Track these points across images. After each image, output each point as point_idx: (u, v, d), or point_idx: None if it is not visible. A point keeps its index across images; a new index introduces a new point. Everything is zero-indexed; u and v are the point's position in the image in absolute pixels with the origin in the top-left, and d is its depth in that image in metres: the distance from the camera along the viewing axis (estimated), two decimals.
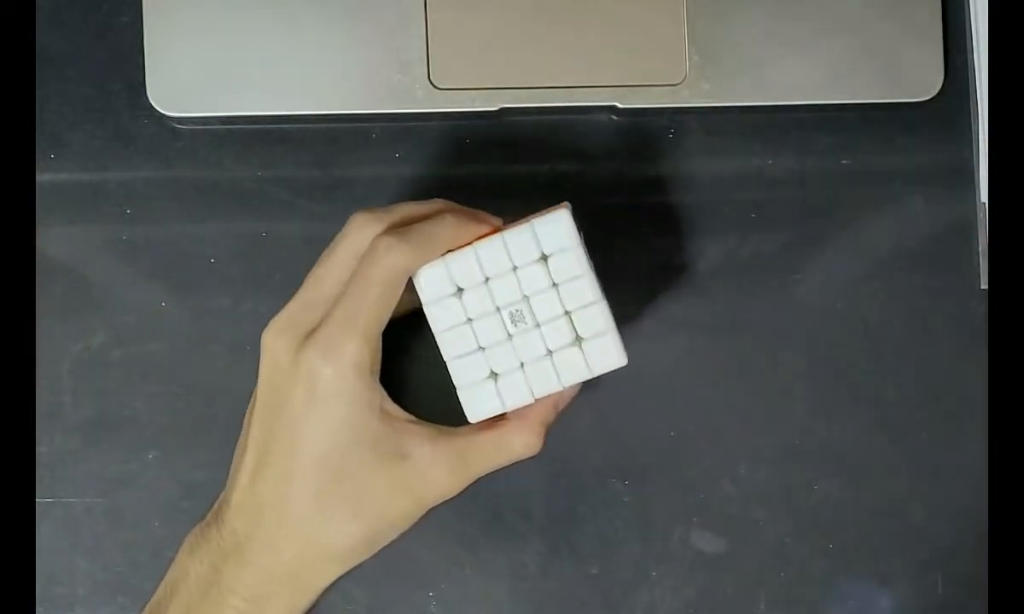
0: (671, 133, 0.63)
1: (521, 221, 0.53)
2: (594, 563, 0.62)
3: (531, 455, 0.55)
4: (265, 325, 0.53)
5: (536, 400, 0.54)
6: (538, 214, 0.53)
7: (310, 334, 0.52)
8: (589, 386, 0.62)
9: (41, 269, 0.60)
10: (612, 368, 0.54)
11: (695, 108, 0.62)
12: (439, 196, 0.56)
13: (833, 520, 0.62)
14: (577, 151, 0.63)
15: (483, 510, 0.61)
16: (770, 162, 0.64)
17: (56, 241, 0.61)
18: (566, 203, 0.54)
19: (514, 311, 0.53)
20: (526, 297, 0.53)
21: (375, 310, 0.52)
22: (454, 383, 0.54)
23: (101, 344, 0.61)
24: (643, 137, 0.63)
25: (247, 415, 0.55)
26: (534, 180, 0.63)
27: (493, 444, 0.54)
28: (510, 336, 0.54)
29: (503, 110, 0.62)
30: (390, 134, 0.62)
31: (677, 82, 0.62)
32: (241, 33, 0.61)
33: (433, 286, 0.53)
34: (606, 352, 0.53)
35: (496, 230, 0.54)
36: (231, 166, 0.62)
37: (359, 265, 0.53)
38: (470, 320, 0.53)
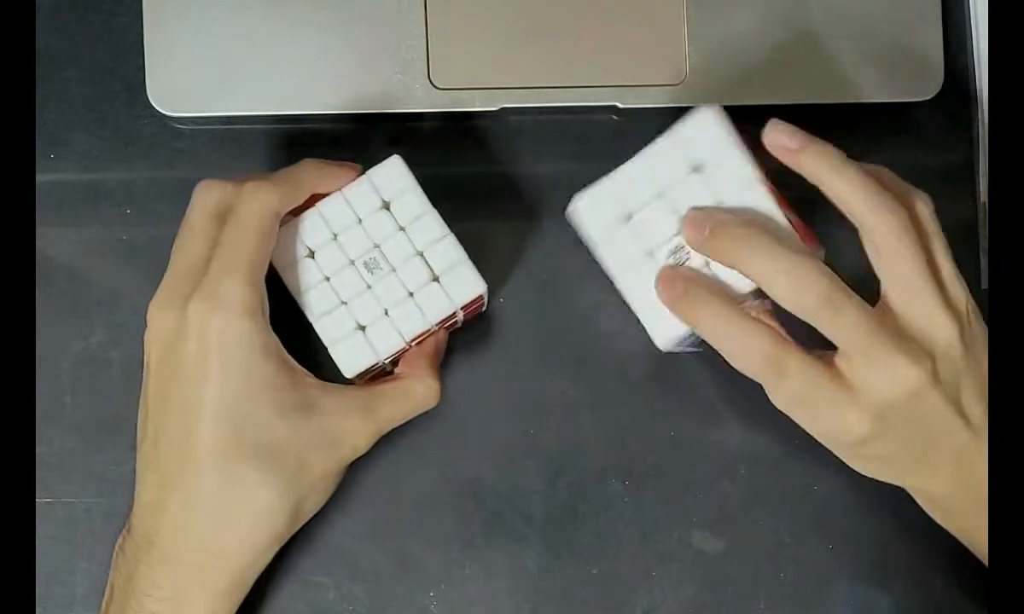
0: None
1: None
2: (594, 563, 0.61)
3: (435, 402, 0.56)
4: None
5: (411, 344, 0.56)
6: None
7: (192, 293, 0.52)
8: (590, 387, 0.62)
9: (41, 269, 0.60)
10: (473, 295, 0.56)
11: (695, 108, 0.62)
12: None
13: (833, 520, 0.62)
14: (577, 151, 0.63)
15: (483, 510, 0.61)
16: (771, 162, 0.64)
17: (56, 241, 0.61)
18: (398, 155, 0.56)
19: (368, 260, 0.55)
20: (377, 245, 0.56)
21: (254, 252, 0.52)
22: (324, 342, 0.55)
23: (101, 344, 0.61)
24: (643, 137, 0.63)
25: (139, 415, 0.55)
26: (534, 180, 0.63)
27: (397, 392, 0.56)
28: (369, 286, 0.55)
29: (503, 110, 0.62)
30: (390, 134, 0.62)
31: (677, 82, 0.62)
32: (241, 33, 0.61)
33: (285, 249, 0.55)
34: (464, 281, 0.56)
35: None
36: (231, 166, 0.62)
37: (229, 214, 0.53)
38: (327, 278, 0.55)
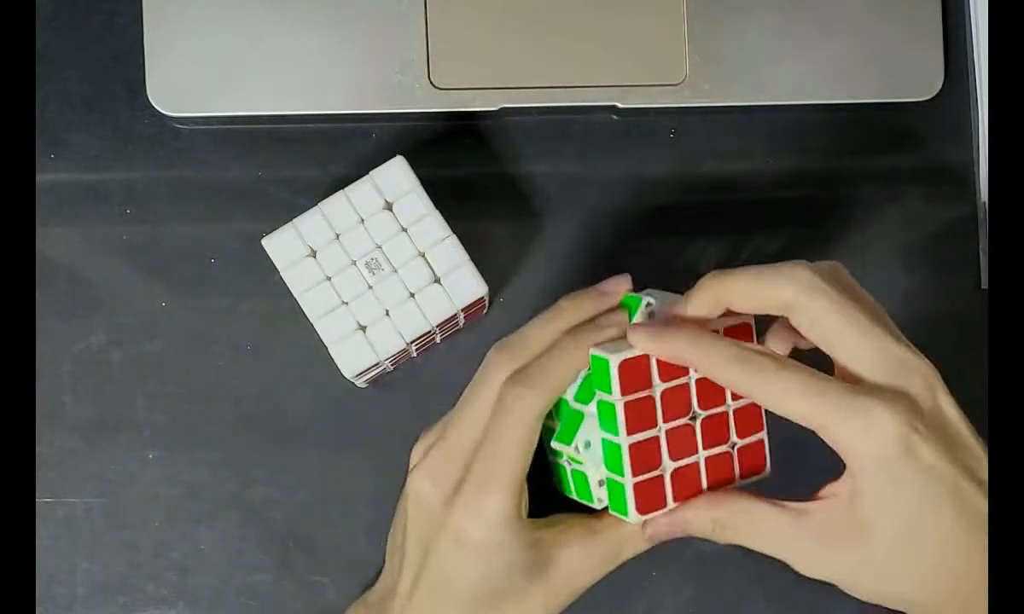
0: (671, 133, 0.63)
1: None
2: None
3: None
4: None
5: (410, 344, 0.55)
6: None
7: (456, 487, 0.52)
8: None
9: (41, 269, 0.60)
10: (474, 298, 0.56)
11: (695, 108, 0.62)
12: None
13: None
14: (577, 151, 0.63)
15: None
16: (770, 162, 0.64)
17: (56, 241, 0.61)
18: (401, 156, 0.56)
19: (370, 260, 0.55)
20: (379, 246, 0.56)
21: (513, 462, 0.52)
22: (324, 342, 0.55)
23: (101, 344, 0.61)
24: (643, 137, 0.63)
25: (398, 519, 0.56)
26: (534, 180, 0.63)
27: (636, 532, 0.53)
28: (370, 286, 0.55)
29: (503, 110, 0.62)
30: (390, 134, 0.62)
31: (677, 82, 0.62)
32: (241, 33, 0.61)
33: (286, 251, 0.55)
34: (465, 283, 0.56)
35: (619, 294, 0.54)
36: (231, 166, 0.62)
37: (492, 418, 0.52)
38: (328, 278, 0.55)
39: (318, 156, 0.62)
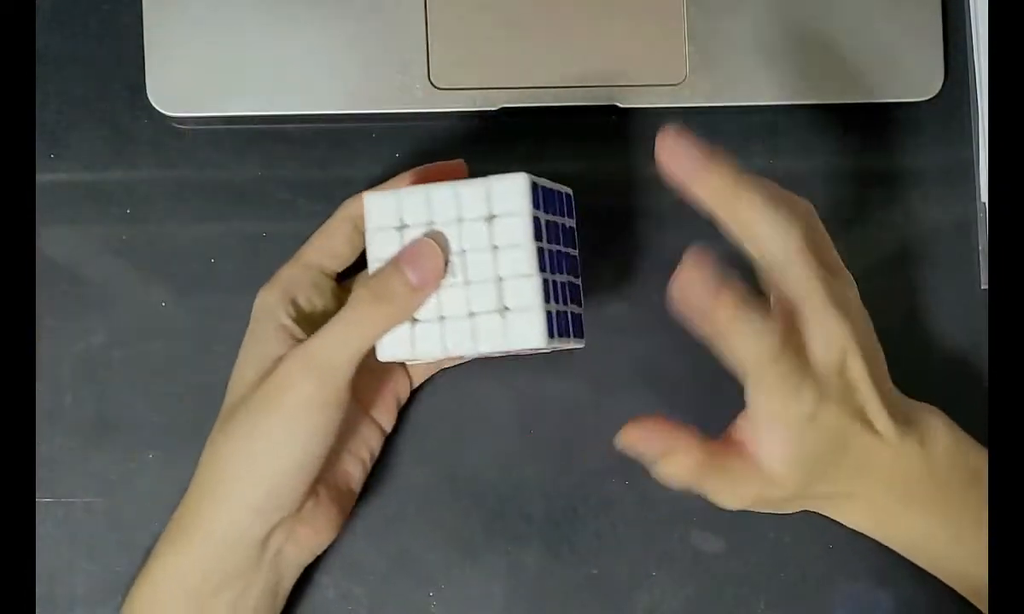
0: None
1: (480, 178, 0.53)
2: (594, 563, 0.61)
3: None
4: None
5: (447, 356, 0.54)
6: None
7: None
8: (589, 385, 0.62)
9: (41, 269, 0.60)
10: (530, 346, 0.53)
11: (695, 108, 0.62)
12: None
13: (833, 520, 0.62)
14: (577, 151, 0.63)
15: (483, 510, 0.61)
16: (770, 162, 0.64)
17: (56, 241, 0.61)
18: (526, 174, 0.53)
19: (448, 262, 0.53)
20: (463, 251, 0.53)
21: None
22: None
23: (101, 344, 0.61)
24: (643, 137, 0.63)
25: None
26: None
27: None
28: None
29: (503, 110, 0.62)
30: (390, 134, 0.62)
31: (677, 82, 0.62)
32: (241, 33, 0.61)
33: (380, 214, 0.54)
34: (528, 328, 0.52)
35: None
36: (231, 166, 0.62)
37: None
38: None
39: (318, 156, 0.62)
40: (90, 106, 0.62)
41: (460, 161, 0.58)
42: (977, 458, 0.55)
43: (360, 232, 0.56)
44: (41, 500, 0.60)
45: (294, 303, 0.56)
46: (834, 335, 0.52)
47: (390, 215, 0.53)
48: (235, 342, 0.59)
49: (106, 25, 0.62)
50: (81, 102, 0.61)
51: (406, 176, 0.58)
